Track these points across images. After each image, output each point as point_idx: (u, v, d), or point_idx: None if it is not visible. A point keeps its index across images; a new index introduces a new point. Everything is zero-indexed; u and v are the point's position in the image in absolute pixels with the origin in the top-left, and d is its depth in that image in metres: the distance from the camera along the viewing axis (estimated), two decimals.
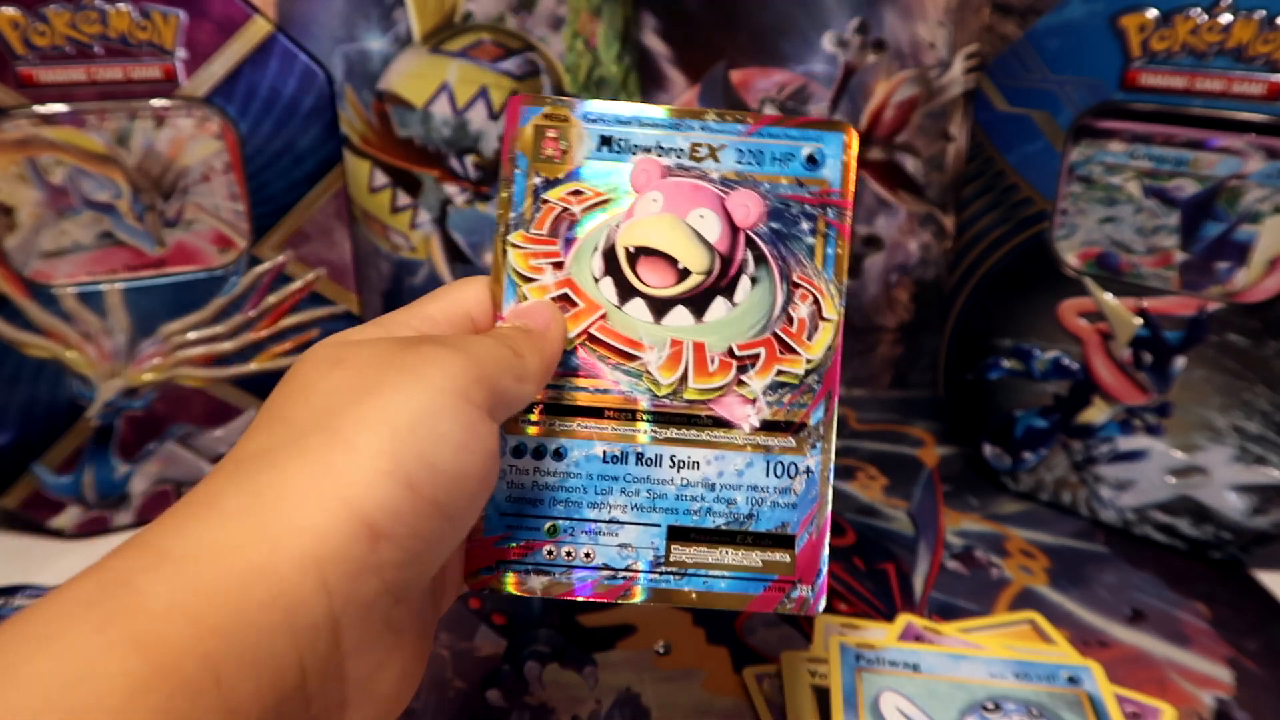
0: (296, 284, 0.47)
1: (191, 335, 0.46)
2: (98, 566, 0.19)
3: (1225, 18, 0.40)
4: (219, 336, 0.47)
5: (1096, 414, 0.48)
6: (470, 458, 0.23)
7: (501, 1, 0.55)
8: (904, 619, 0.41)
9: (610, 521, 0.29)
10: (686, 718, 0.36)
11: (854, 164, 0.30)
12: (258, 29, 0.43)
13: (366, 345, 0.24)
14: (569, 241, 0.29)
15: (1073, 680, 0.37)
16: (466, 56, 0.56)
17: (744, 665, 0.39)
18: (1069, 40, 0.44)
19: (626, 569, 0.29)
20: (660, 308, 0.29)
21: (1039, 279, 0.48)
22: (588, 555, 0.29)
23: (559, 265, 0.29)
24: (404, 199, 0.57)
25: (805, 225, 0.30)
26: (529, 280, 0.29)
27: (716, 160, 0.30)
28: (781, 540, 0.29)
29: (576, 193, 0.30)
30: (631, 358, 0.29)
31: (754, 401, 0.29)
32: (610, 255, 0.29)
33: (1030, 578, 0.45)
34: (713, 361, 0.29)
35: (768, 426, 0.29)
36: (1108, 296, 0.46)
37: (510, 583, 0.28)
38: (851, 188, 0.30)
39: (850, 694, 0.36)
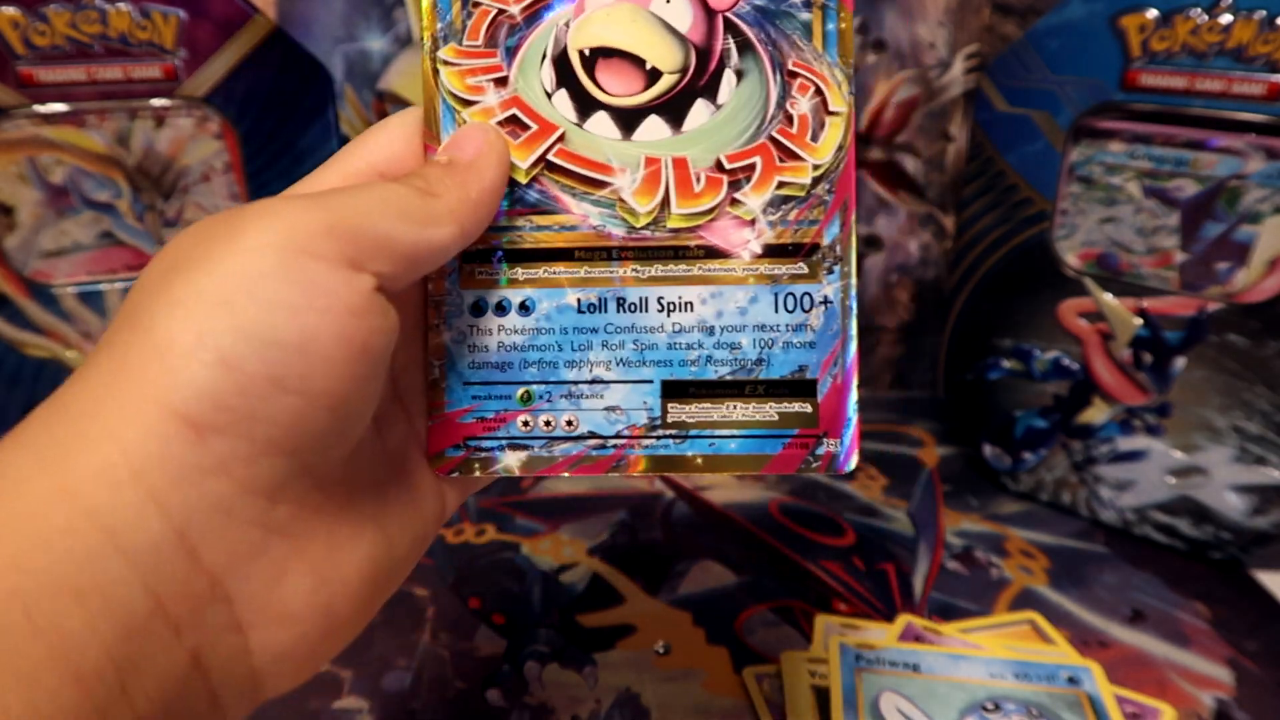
0: None
1: None
2: None
3: (1225, 18, 0.40)
4: None
5: (1096, 414, 0.48)
6: (315, 320, 0.19)
7: None
8: (904, 619, 0.41)
9: (593, 382, 0.25)
10: (686, 718, 0.36)
11: None
12: (258, 29, 0.43)
13: (197, 224, 0.20)
14: (511, 50, 0.24)
15: (1073, 680, 0.37)
16: None
17: (744, 665, 0.39)
18: (1069, 40, 0.44)
19: (617, 435, 0.25)
20: (629, 120, 0.25)
21: (1039, 279, 0.48)
22: (570, 423, 0.25)
23: (502, 81, 0.24)
24: None
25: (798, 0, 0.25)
26: (468, 104, 0.24)
27: None
28: (800, 387, 0.25)
29: None
30: (600, 184, 0.24)
31: (752, 223, 0.25)
32: (563, 62, 0.24)
33: (1030, 578, 0.45)
34: (698, 179, 0.24)
35: (772, 251, 0.25)
36: (1108, 296, 0.46)
37: (479, 465, 0.25)
38: None
39: (850, 694, 0.36)
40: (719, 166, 0.24)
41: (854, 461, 0.25)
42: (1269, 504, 0.44)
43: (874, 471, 0.55)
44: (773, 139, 0.25)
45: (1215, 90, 0.41)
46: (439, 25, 0.24)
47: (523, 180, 0.24)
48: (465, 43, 0.24)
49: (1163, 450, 0.47)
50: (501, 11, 0.24)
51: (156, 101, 0.43)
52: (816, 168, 0.25)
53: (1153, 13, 0.42)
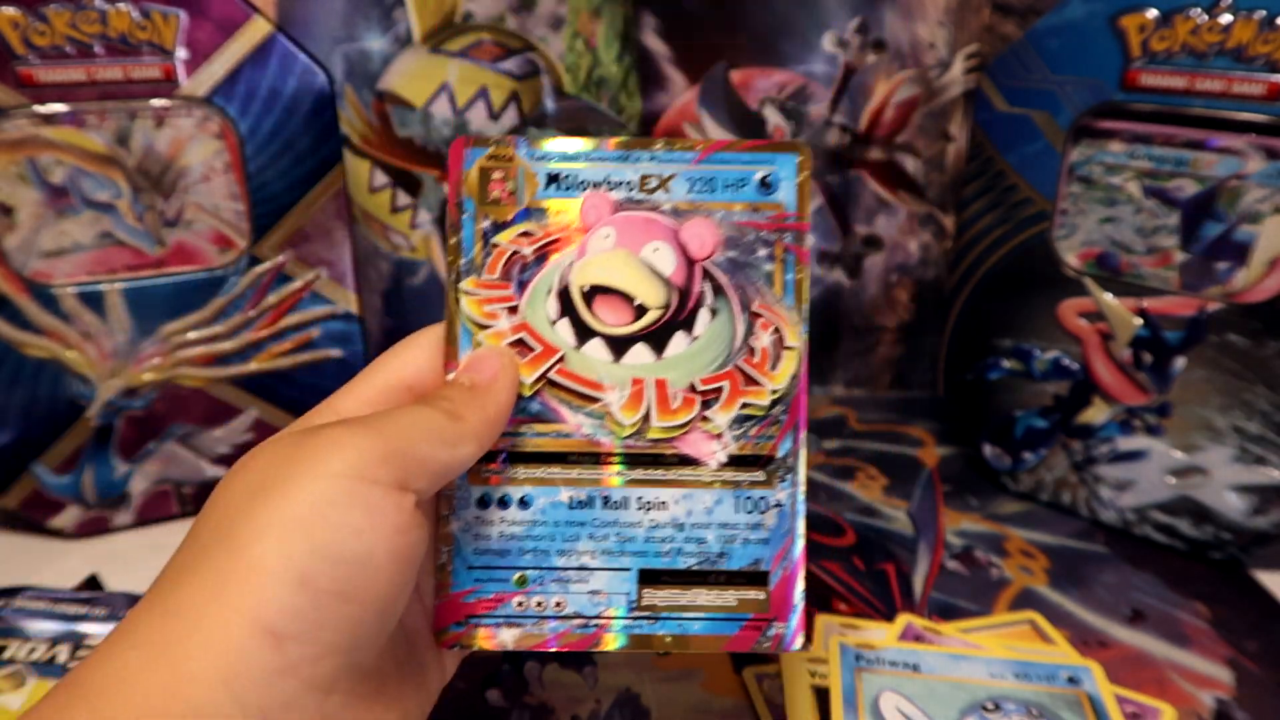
0: (296, 284, 0.47)
1: (191, 335, 0.46)
2: (28, 714, 0.20)
3: (1225, 18, 0.40)
4: (219, 336, 0.47)
5: (1096, 414, 0.48)
6: (374, 538, 0.22)
7: (501, 1, 0.55)
8: (904, 619, 0.41)
9: (580, 569, 0.28)
10: (686, 718, 0.36)
11: (809, 185, 0.29)
12: (258, 29, 0.43)
13: (270, 444, 0.24)
14: (522, 284, 0.29)
15: (1073, 680, 0.37)
16: (466, 56, 0.56)
17: (744, 665, 0.39)
18: (1069, 40, 0.44)
19: (599, 616, 0.28)
20: (619, 346, 0.29)
21: (1039, 279, 0.48)
22: (559, 604, 0.28)
23: (514, 310, 0.29)
24: (404, 199, 0.57)
25: (762, 252, 0.29)
26: (484, 327, 0.28)
27: (667, 191, 0.29)
28: (755, 578, 0.29)
29: (526, 234, 0.29)
30: (593, 399, 0.28)
31: (719, 437, 0.29)
32: (565, 296, 0.29)
33: (1030, 578, 0.45)
34: (675, 398, 0.28)
35: (735, 461, 0.29)
36: (1108, 296, 0.46)
37: (481, 638, 0.28)
38: (808, 210, 0.29)
39: (850, 694, 0.36)
40: (693, 388, 0.29)
41: (800, 641, 0.29)
42: (1269, 504, 0.44)
43: (874, 471, 0.55)
44: (738, 367, 0.29)
45: (1215, 90, 0.41)
46: (462, 261, 0.29)
47: (527, 393, 0.28)
48: (484, 276, 0.29)
49: (1163, 450, 0.47)
50: (516, 252, 0.29)
51: (156, 101, 0.43)
52: (774, 392, 0.29)
53: (1153, 13, 0.42)
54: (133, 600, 0.38)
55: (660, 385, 0.29)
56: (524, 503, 0.28)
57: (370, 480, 0.23)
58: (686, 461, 0.29)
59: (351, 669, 0.23)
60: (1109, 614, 0.43)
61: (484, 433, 0.26)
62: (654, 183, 0.29)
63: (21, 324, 0.44)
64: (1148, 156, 0.45)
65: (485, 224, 0.29)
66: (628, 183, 0.29)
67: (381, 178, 0.57)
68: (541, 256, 0.29)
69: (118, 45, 0.41)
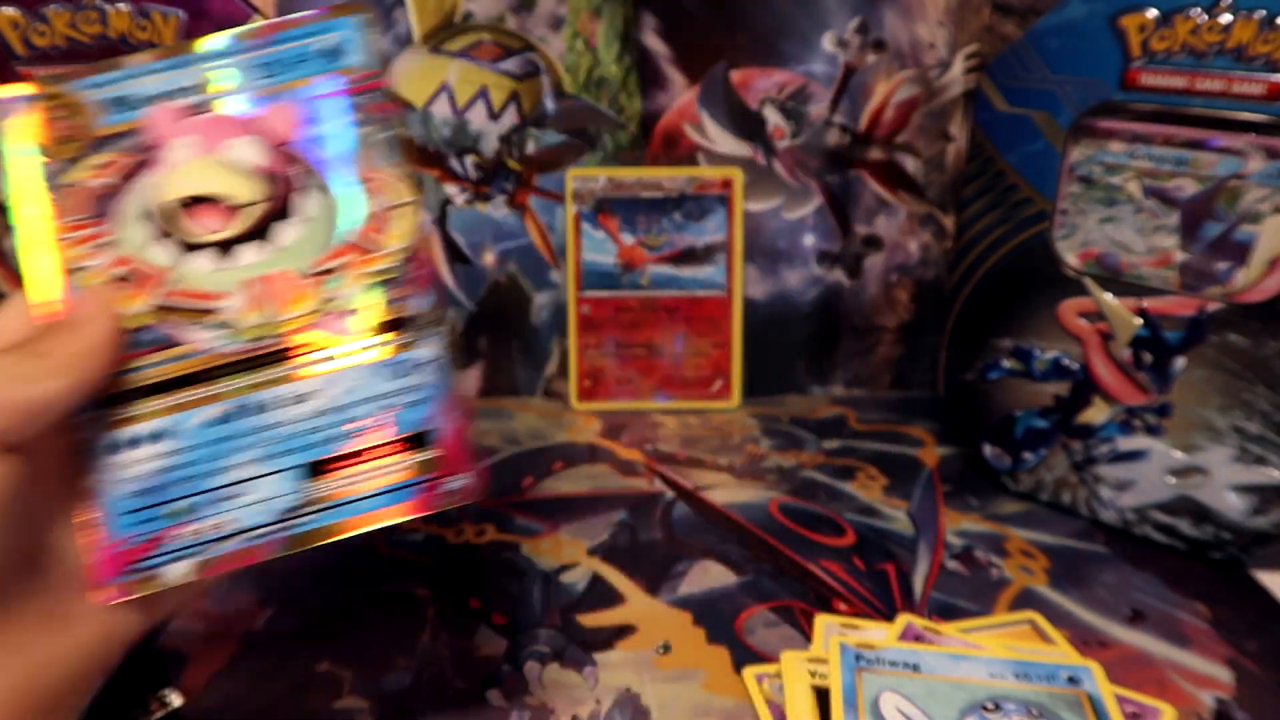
0: None
1: None
2: None
3: (1225, 18, 0.40)
4: None
5: (1096, 414, 0.48)
6: None
7: (501, 1, 0.55)
8: (904, 619, 0.41)
9: (238, 483, 0.27)
10: (686, 718, 0.36)
11: (377, 42, 0.29)
12: None
13: None
14: (106, 216, 0.27)
15: (1073, 680, 0.37)
16: (466, 56, 0.56)
17: (744, 665, 0.39)
18: (1069, 40, 0.44)
19: (270, 524, 0.27)
20: (226, 251, 0.28)
21: (1039, 279, 0.48)
22: (226, 524, 0.27)
23: (107, 245, 0.27)
24: None
25: (350, 119, 0.28)
26: (78, 270, 0.27)
27: (233, 84, 0.28)
28: (420, 439, 0.28)
29: (104, 165, 0.28)
30: (209, 312, 0.27)
31: (351, 312, 0.28)
32: (157, 215, 0.27)
33: (1030, 578, 0.45)
34: (296, 287, 0.27)
35: (376, 330, 0.28)
36: (1108, 296, 0.46)
37: (147, 583, 0.27)
38: (380, 65, 0.29)
39: (850, 694, 0.36)
40: (312, 272, 0.28)
41: (480, 484, 0.28)
42: (1269, 504, 0.44)
43: (874, 471, 0.55)
44: (353, 239, 0.28)
45: (1215, 90, 0.41)
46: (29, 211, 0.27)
47: (142, 323, 0.27)
48: (66, 219, 0.27)
49: (1163, 450, 0.47)
50: (95, 184, 0.27)
51: None
52: (396, 253, 0.28)
53: (1153, 12, 0.42)
54: None
55: (278, 278, 0.27)
56: (162, 435, 0.27)
57: None
58: (324, 345, 0.28)
59: None
60: (1109, 614, 0.43)
61: (76, 366, 0.25)
62: (220, 80, 0.28)
63: None
64: (1148, 156, 0.44)
65: (53, 165, 0.27)
66: (192, 87, 0.28)
67: None
68: (123, 183, 0.28)
69: (117, 45, 0.41)
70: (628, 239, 0.60)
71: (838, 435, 0.60)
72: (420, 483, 0.28)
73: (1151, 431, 0.47)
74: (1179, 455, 0.46)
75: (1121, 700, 0.36)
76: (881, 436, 0.60)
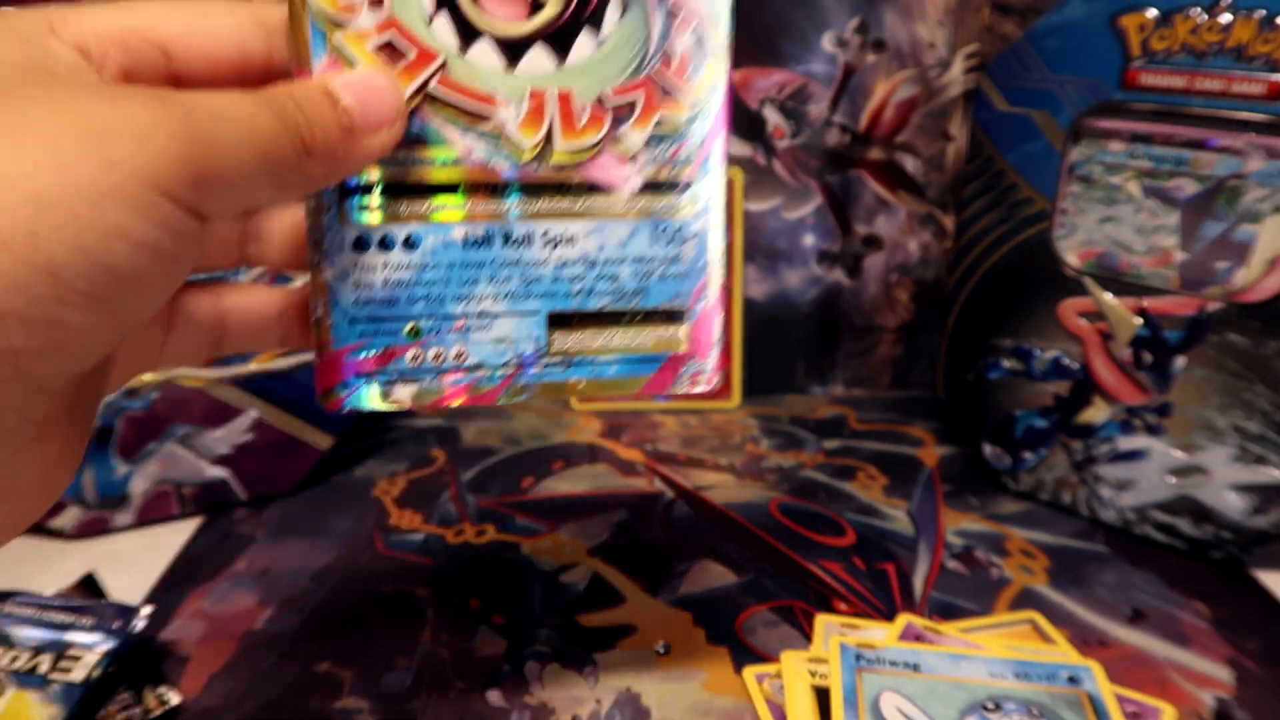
0: (296, 283, 0.47)
1: None
2: None
3: (1225, 17, 0.40)
4: None
5: (1096, 414, 0.48)
6: (149, 260, 0.18)
7: None
8: (904, 619, 0.41)
9: (481, 315, 0.25)
10: (686, 718, 0.36)
11: None
12: None
13: (20, 70, 0.19)
14: None
15: (1073, 680, 0.37)
16: None
17: (744, 665, 0.39)
18: (1069, 40, 0.44)
19: (504, 364, 0.25)
20: (513, 50, 0.24)
21: (1039, 279, 0.48)
22: (459, 355, 0.25)
23: (377, 2, 0.23)
24: None
25: None
26: (339, 26, 0.22)
27: None
28: (672, 315, 0.26)
29: None
30: (484, 117, 0.24)
31: (634, 159, 0.25)
32: None
33: (1030, 578, 0.45)
34: (582, 114, 0.24)
35: (650, 187, 0.25)
36: (1108, 296, 0.46)
37: (371, 397, 0.25)
38: None
39: (850, 694, 0.36)
40: (602, 102, 0.24)
41: (717, 379, 0.27)
42: (1269, 504, 0.44)
43: (874, 471, 0.55)
44: (653, 76, 0.25)
45: (1215, 90, 0.41)
46: None
47: (410, 107, 0.23)
48: None
49: (1163, 450, 0.47)
50: None
51: None
52: (694, 106, 0.25)
53: (1152, 12, 0.42)
54: (123, 611, 0.38)
55: (564, 98, 0.24)
56: (410, 243, 0.24)
57: (167, 195, 0.18)
58: (596, 189, 0.25)
59: (68, 380, 0.20)
60: (1109, 614, 0.43)
61: (329, 179, 0.22)
62: None
63: None
64: (1148, 156, 0.45)
65: None
66: None
67: None
68: None
69: None
70: None
71: (838, 435, 0.60)
72: (661, 360, 0.26)
73: (1151, 431, 0.47)
74: (1179, 455, 0.46)
75: (1122, 700, 0.36)
76: (881, 436, 0.60)
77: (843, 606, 0.43)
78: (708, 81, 0.25)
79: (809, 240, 0.61)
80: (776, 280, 0.62)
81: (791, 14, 0.57)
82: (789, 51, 0.57)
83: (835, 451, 0.58)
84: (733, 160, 0.60)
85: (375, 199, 0.24)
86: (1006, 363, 0.51)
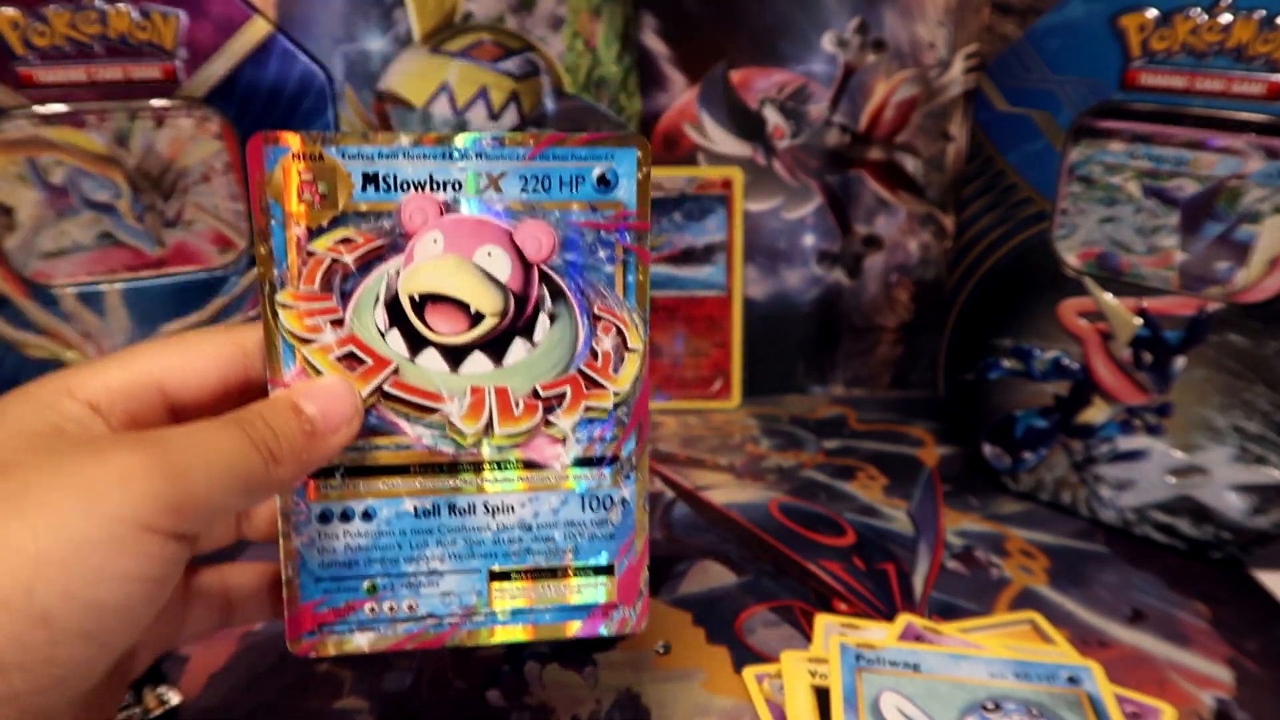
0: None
1: None
2: None
3: (1225, 18, 0.40)
4: None
5: (1096, 414, 0.48)
6: (137, 590, 0.21)
7: (501, 1, 0.55)
8: (904, 619, 0.41)
9: (430, 573, 0.29)
10: (686, 718, 0.36)
11: (649, 182, 0.28)
12: (257, 29, 0.43)
13: (21, 437, 0.22)
14: (346, 295, 0.27)
15: (1073, 680, 0.37)
16: (466, 56, 0.56)
17: (744, 665, 0.39)
18: (1069, 40, 0.44)
19: (451, 614, 0.29)
20: (456, 355, 0.28)
21: (1039, 279, 0.48)
22: (410, 607, 0.29)
23: (338, 323, 0.27)
24: None
25: (602, 253, 0.28)
26: (306, 341, 0.27)
27: (499, 190, 0.27)
28: (600, 570, 0.30)
29: (346, 240, 0.27)
30: (431, 410, 0.28)
31: (564, 440, 0.29)
32: (394, 305, 0.27)
33: (1030, 578, 0.45)
34: (517, 405, 0.28)
35: (580, 463, 0.29)
36: (1108, 296, 0.46)
37: (334, 644, 0.29)
38: (647, 208, 0.28)
39: (850, 694, 0.36)
40: (535, 394, 0.28)
41: (644, 624, 0.30)
42: (1269, 504, 0.44)
43: (874, 471, 0.55)
44: (581, 371, 0.28)
45: (1215, 90, 0.41)
46: (275, 271, 0.26)
47: (368, 405, 0.27)
48: (302, 287, 0.27)
49: (1163, 450, 0.47)
50: (335, 260, 0.27)
51: (156, 102, 0.43)
52: (617, 395, 0.29)
53: (1153, 12, 0.42)
54: None
55: (501, 393, 0.28)
56: (367, 515, 0.28)
57: (149, 529, 0.20)
58: (532, 465, 0.29)
59: (74, 699, 0.21)
60: (1109, 614, 0.43)
61: (297, 479, 0.25)
62: (484, 181, 0.27)
63: (21, 324, 0.44)
64: (1148, 156, 0.44)
65: (298, 230, 0.26)
66: (454, 182, 0.27)
67: None
68: (365, 264, 0.27)
69: (117, 46, 0.41)
70: None
71: (838, 435, 0.60)
72: (591, 607, 0.30)
73: (1151, 431, 0.47)
74: (1179, 455, 0.46)
75: (1121, 700, 0.36)
76: (881, 436, 0.60)
77: (843, 606, 0.43)
78: (629, 373, 0.29)
79: (809, 240, 0.61)
80: (776, 280, 0.62)
81: (791, 14, 0.57)
82: (789, 51, 0.57)
83: (835, 451, 0.58)
84: (733, 160, 0.60)
85: (337, 480, 0.28)
86: (1006, 363, 0.51)
